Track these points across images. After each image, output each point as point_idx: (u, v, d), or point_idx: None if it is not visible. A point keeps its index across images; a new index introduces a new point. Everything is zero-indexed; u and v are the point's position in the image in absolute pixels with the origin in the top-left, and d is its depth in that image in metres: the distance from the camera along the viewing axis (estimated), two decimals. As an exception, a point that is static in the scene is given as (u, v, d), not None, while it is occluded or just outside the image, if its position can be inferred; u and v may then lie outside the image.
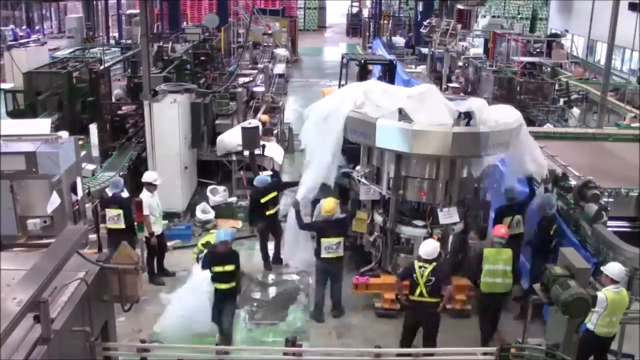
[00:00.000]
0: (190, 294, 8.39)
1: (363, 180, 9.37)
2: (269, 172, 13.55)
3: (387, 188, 9.21)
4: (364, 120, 8.89)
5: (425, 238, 8.97)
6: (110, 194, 9.84)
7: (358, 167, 9.95)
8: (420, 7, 33.55)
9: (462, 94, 21.65)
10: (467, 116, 9.61)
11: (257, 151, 13.00)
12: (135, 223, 9.80)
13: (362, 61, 13.24)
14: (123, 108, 15.43)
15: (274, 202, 10.69)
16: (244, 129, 12.74)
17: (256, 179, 10.85)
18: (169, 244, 11.33)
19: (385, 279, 9.34)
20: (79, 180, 8.91)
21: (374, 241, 9.44)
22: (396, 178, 9.01)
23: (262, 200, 10.47)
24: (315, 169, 9.45)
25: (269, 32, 28.88)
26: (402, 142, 8.50)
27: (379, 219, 9.49)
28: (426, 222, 9.05)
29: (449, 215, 8.89)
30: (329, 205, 8.99)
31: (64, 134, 9.11)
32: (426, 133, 8.44)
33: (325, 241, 8.88)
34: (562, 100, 18.83)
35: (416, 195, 9.13)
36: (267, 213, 10.51)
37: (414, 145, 8.44)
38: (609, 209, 8.79)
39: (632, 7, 23.96)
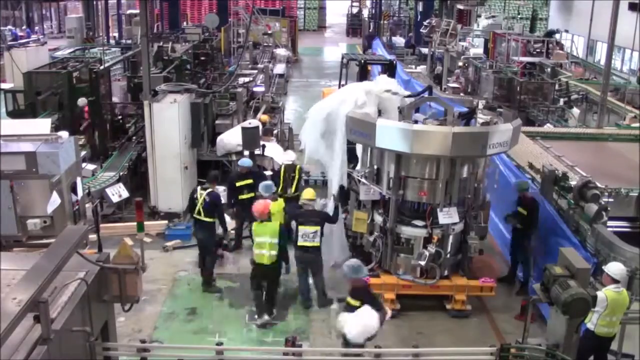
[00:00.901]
0: None
1: (363, 180, 9.37)
2: (270, 173, 13.60)
3: (387, 188, 9.19)
4: (363, 120, 8.91)
5: (425, 238, 9.06)
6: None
7: (358, 167, 9.95)
8: (420, 7, 33.58)
9: (462, 94, 21.69)
10: (466, 116, 9.62)
11: (257, 151, 12.99)
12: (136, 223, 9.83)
13: (362, 61, 13.25)
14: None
15: (249, 188, 11.04)
16: (244, 129, 12.73)
17: (240, 161, 11.39)
18: (168, 244, 11.35)
19: (385, 279, 9.32)
20: (79, 180, 8.91)
21: (374, 241, 9.44)
22: (396, 178, 9.00)
23: (237, 184, 11.06)
24: (338, 168, 9.68)
25: (269, 32, 28.88)
26: (402, 143, 8.48)
27: (379, 219, 9.47)
28: (426, 222, 9.04)
29: (448, 216, 8.87)
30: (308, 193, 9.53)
31: (64, 134, 9.11)
32: (426, 133, 8.44)
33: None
34: (562, 100, 18.82)
35: (416, 195, 9.11)
36: (240, 197, 10.99)
37: (414, 145, 8.42)
38: (609, 209, 8.79)
39: (632, 7, 23.99)
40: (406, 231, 9.21)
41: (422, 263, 8.94)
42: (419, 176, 9.01)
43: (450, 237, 9.17)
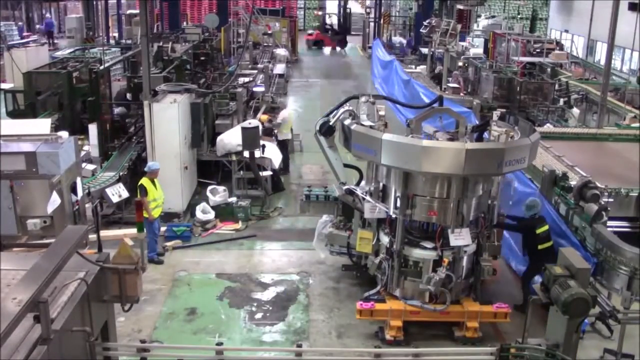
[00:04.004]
0: None
1: (368, 197, 8.81)
2: (269, 173, 13.63)
3: (394, 207, 8.54)
4: (368, 134, 8.29)
5: (434, 261, 8.47)
6: None
7: (362, 183, 9.57)
8: (415, 8, 33.59)
9: (462, 94, 21.69)
10: (479, 129, 9.17)
11: (257, 151, 13.00)
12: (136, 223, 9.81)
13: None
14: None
15: None
16: (244, 129, 12.75)
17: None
18: (168, 244, 11.35)
19: (391, 304, 8.65)
20: (79, 180, 8.90)
21: (379, 263, 8.88)
22: (404, 197, 8.33)
23: None
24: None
25: (269, 32, 28.88)
26: (411, 160, 7.84)
27: (385, 239, 8.87)
28: (436, 243, 8.43)
29: (460, 237, 8.24)
30: None
31: (64, 134, 9.11)
32: (437, 150, 7.78)
33: None
34: (562, 100, 18.83)
35: (425, 215, 8.39)
36: None
37: (423, 163, 7.75)
38: (609, 209, 8.77)
39: (632, 7, 24.01)
40: (414, 253, 8.57)
41: (432, 287, 8.25)
42: (429, 195, 8.27)
43: (462, 260, 8.57)
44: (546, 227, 9.00)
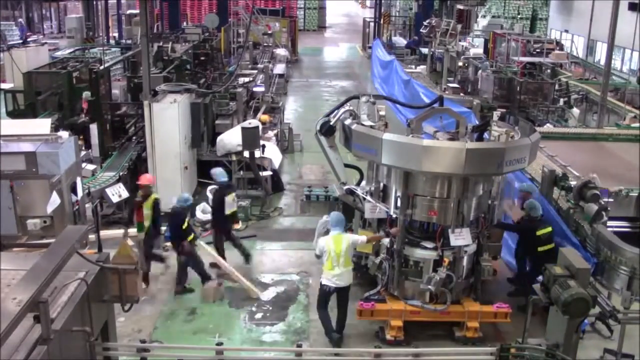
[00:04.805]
0: None
1: (368, 197, 8.81)
2: (269, 173, 13.64)
3: (395, 207, 8.55)
4: (369, 134, 8.31)
5: (435, 261, 8.48)
6: None
7: (363, 183, 9.56)
8: (415, 8, 33.61)
9: (462, 94, 21.70)
10: (480, 129, 9.18)
11: (257, 151, 13.00)
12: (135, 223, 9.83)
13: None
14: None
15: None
16: (244, 129, 12.75)
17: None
18: (167, 244, 11.32)
19: (392, 304, 8.65)
20: (79, 180, 8.90)
21: (380, 263, 8.85)
22: (404, 196, 8.34)
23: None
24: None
25: (269, 32, 28.90)
26: (411, 159, 7.85)
27: (385, 239, 8.88)
28: (436, 243, 8.43)
29: (461, 237, 8.25)
30: None
31: (64, 134, 9.11)
32: (437, 149, 7.79)
33: None
34: (562, 100, 18.84)
35: (426, 215, 8.38)
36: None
37: (423, 162, 7.77)
38: (609, 209, 8.77)
39: (632, 7, 24.01)
40: (415, 253, 8.57)
41: (432, 287, 8.23)
42: (429, 195, 8.26)
43: (463, 260, 8.58)
44: (549, 230, 8.97)
